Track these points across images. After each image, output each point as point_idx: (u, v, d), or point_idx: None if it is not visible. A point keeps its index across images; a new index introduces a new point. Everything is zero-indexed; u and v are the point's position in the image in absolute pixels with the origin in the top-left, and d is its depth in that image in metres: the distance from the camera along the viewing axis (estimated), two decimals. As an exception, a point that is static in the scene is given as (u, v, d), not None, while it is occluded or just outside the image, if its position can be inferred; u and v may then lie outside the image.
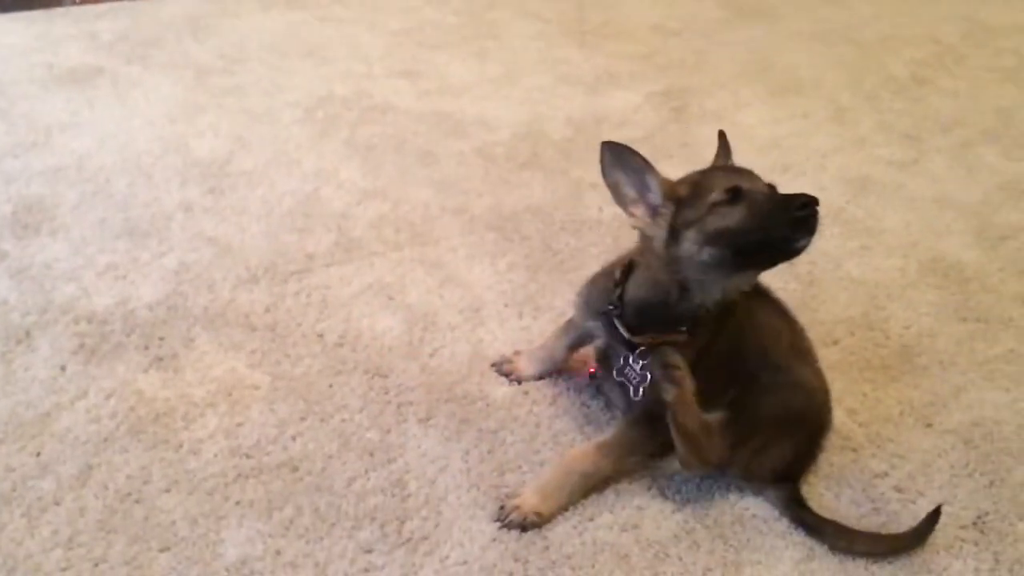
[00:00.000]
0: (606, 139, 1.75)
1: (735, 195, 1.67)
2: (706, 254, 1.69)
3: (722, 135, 1.97)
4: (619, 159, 1.75)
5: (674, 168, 3.03)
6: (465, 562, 1.76)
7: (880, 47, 4.11)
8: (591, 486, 1.88)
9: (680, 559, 1.79)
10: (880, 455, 2.03)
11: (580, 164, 3.08)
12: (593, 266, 2.55)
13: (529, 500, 1.83)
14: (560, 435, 2.05)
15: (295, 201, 2.79)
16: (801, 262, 2.60)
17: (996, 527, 1.88)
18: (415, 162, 3.05)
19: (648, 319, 1.83)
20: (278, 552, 1.75)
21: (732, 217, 1.66)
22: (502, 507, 1.84)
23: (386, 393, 2.13)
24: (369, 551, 1.77)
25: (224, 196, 2.80)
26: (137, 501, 1.84)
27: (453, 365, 2.23)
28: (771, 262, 1.75)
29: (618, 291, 1.86)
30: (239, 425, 2.01)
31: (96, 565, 1.71)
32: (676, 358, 1.78)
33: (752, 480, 1.91)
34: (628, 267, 1.87)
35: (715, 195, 1.68)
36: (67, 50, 3.69)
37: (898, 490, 1.95)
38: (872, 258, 2.67)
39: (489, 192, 2.91)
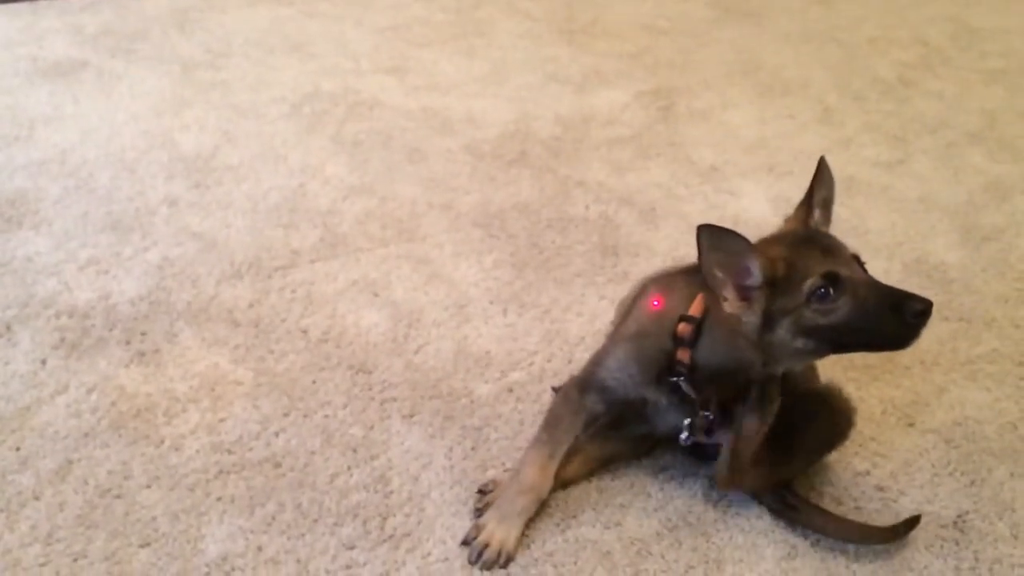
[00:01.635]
0: (703, 223, 1.58)
1: (834, 283, 1.56)
2: (800, 343, 1.62)
3: (823, 164, 1.76)
4: (718, 242, 1.59)
5: (660, 167, 3.07)
6: (447, 559, 1.75)
7: (867, 48, 4.13)
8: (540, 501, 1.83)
9: (662, 556, 1.79)
10: (862, 454, 2.03)
11: (568, 162, 3.08)
12: (579, 264, 2.58)
13: (496, 535, 1.76)
14: (544, 432, 2.04)
15: (281, 196, 2.78)
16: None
17: (976, 526, 1.89)
18: (402, 159, 3.04)
19: (718, 380, 1.75)
20: (260, 548, 1.74)
21: (834, 315, 1.57)
22: (467, 541, 1.77)
23: (370, 389, 2.12)
24: (351, 547, 1.76)
25: (209, 191, 2.79)
26: (118, 496, 1.82)
27: (438, 362, 2.22)
28: (866, 351, 1.72)
29: (686, 356, 1.73)
30: (221, 421, 2.00)
31: (75, 560, 1.70)
32: (775, 391, 1.77)
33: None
34: (698, 328, 1.72)
35: (812, 281, 1.57)
36: (51, 43, 3.66)
37: (879, 489, 1.96)
38: (857, 258, 2.68)
39: (476, 189, 2.91)
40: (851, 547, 1.82)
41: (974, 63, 4.01)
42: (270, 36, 3.87)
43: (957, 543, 1.86)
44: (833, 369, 2.23)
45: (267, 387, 2.10)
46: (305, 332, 2.27)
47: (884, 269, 2.62)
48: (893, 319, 1.56)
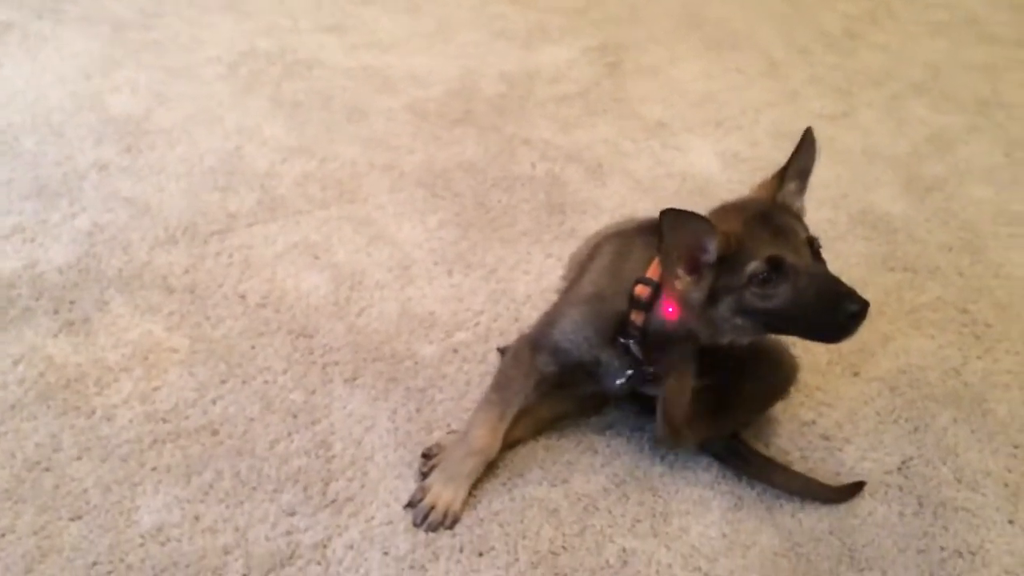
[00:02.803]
0: (666, 206, 1.54)
1: (777, 269, 1.55)
2: (740, 321, 1.62)
3: (808, 135, 1.73)
4: (681, 225, 1.56)
5: (607, 124, 3.03)
6: (391, 522, 1.72)
7: (813, 2, 4.11)
8: (488, 462, 1.81)
9: (609, 511, 1.78)
10: (808, 404, 2.04)
11: (513, 120, 3.03)
12: (526, 222, 2.54)
13: (442, 496, 1.73)
14: (490, 392, 2.01)
15: (216, 159, 2.69)
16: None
17: (920, 471, 1.91)
18: (343, 119, 2.96)
19: (667, 345, 1.73)
20: (196, 518, 1.69)
21: (771, 301, 1.57)
22: (412, 504, 1.74)
23: (311, 353, 2.07)
24: (292, 514, 1.72)
25: (141, 154, 2.68)
26: (47, 469, 1.76)
27: (381, 324, 2.17)
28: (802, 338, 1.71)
29: (640, 318, 1.71)
30: (156, 389, 1.94)
31: (3, 536, 1.64)
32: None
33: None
34: (655, 291, 1.70)
35: (755, 265, 1.56)
36: (-28, 4, 3.49)
37: (825, 438, 1.97)
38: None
39: (420, 149, 2.84)
40: (795, 499, 1.83)
41: (918, 15, 4.01)
42: (204, -6, 3.73)
43: (901, 489, 1.87)
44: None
45: (203, 354, 2.03)
46: (243, 297, 2.20)
47: (829, 220, 2.62)
48: (828, 315, 1.54)
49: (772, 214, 1.64)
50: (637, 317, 1.71)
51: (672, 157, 2.90)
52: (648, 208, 2.62)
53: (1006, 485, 1.89)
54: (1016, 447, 1.97)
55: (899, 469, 1.91)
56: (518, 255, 2.42)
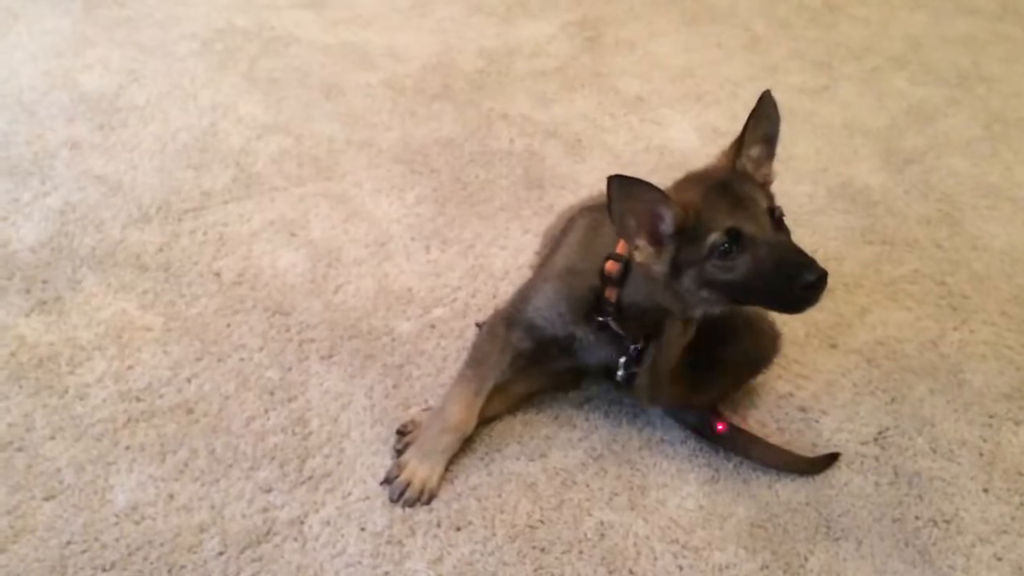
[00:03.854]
0: (612, 173, 1.53)
1: (736, 240, 1.54)
2: (705, 294, 1.61)
3: (765, 98, 1.67)
4: (628, 192, 1.54)
5: (586, 99, 3.01)
6: (367, 497, 1.72)
7: (795, -24, 4.08)
8: (464, 439, 1.80)
9: (587, 485, 1.78)
10: (785, 376, 2.04)
11: (491, 96, 3.00)
12: (504, 198, 2.52)
13: (419, 472, 1.72)
14: (468, 368, 2.00)
15: (190, 137, 2.66)
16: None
17: (896, 442, 1.92)
18: (320, 95, 2.93)
19: (642, 319, 1.73)
20: (171, 496, 1.69)
21: (732, 272, 1.55)
22: (388, 480, 1.73)
23: (287, 331, 2.06)
24: (268, 491, 1.71)
25: (114, 132, 2.65)
26: (19, 449, 1.74)
27: (358, 301, 2.16)
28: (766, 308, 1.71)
29: (613, 294, 1.71)
30: (129, 368, 1.92)
31: (-26, 517, 1.62)
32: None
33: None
34: (625, 267, 1.68)
35: (715, 237, 1.54)
36: (-60, -20, 3.42)
37: (802, 410, 1.97)
38: (782, 184, 2.60)
39: (397, 125, 2.82)
40: (772, 470, 1.83)
41: (899, -11, 3.99)
42: (178, -30, 3.67)
43: (877, 459, 1.88)
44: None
45: (178, 332, 2.01)
46: (218, 275, 2.18)
47: (808, 194, 2.62)
48: (787, 285, 1.53)
49: (731, 183, 1.62)
50: (611, 293, 1.71)
51: (651, 132, 2.88)
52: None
53: (981, 454, 1.90)
54: (991, 417, 1.98)
55: (875, 440, 1.92)
56: (496, 230, 2.41)
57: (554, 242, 1.94)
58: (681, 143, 2.83)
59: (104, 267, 2.16)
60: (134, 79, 2.91)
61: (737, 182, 1.63)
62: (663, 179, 2.60)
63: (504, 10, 3.56)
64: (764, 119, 1.68)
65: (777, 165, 2.73)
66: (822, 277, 1.51)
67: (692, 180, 1.66)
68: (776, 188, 2.61)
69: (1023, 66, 3.38)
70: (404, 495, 1.71)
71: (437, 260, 2.30)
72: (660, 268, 1.60)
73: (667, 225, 1.58)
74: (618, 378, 1.81)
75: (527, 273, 2.25)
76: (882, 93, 3.16)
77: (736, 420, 1.91)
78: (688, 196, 1.59)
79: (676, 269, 1.59)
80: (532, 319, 1.80)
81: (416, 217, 2.43)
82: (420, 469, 1.73)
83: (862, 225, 2.52)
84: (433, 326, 2.11)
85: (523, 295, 1.86)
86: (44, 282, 2.10)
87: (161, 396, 1.87)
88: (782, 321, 2.07)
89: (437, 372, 1.99)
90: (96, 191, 2.40)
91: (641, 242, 1.60)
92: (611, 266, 1.69)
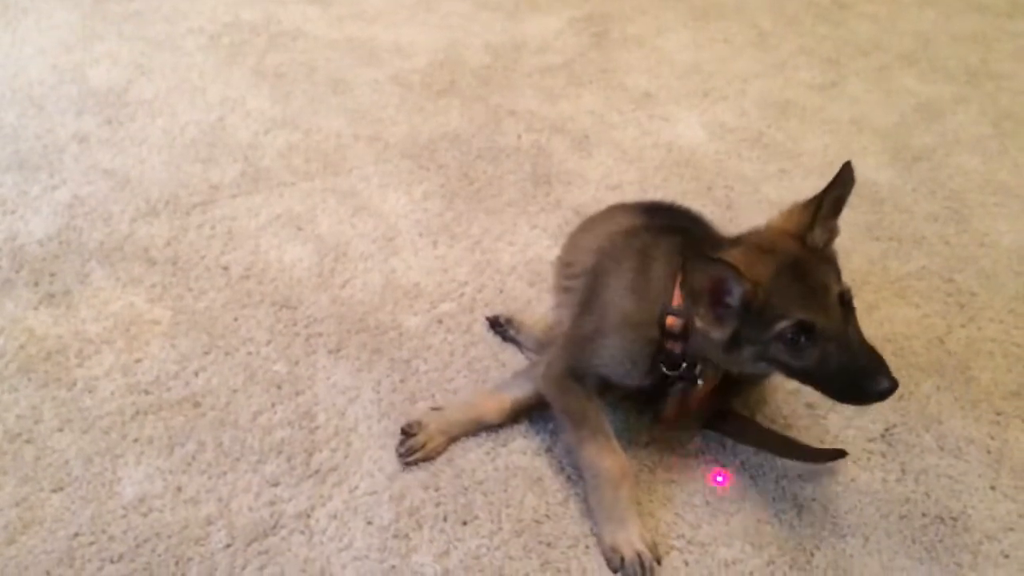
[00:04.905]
0: (690, 257, 1.53)
1: (807, 334, 1.51)
2: (762, 367, 1.61)
3: (846, 170, 1.63)
4: (704, 270, 1.53)
5: (593, 94, 3.01)
6: (375, 492, 1.72)
7: (803, -28, 4.07)
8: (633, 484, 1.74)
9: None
10: (793, 373, 2.03)
11: (498, 91, 3.00)
12: (511, 193, 2.52)
13: (633, 543, 1.64)
14: (475, 362, 2.01)
15: (198, 131, 2.66)
16: (718, 186, 2.61)
17: (903, 439, 1.91)
18: (327, 90, 2.93)
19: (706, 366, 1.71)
20: (179, 488, 1.69)
21: (798, 360, 1.54)
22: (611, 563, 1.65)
23: (294, 325, 2.06)
24: (275, 484, 1.72)
25: (123, 127, 2.66)
26: (28, 441, 1.75)
27: (365, 295, 2.16)
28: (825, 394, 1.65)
29: (679, 347, 1.68)
30: (138, 361, 1.93)
31: (-17, 509, 1.63)
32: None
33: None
34: (685, 328, 1.65)
35: (784, 325, 1.51)
36: (-51, -26, 3.43)
37: (809, 406, 1.97)
38: (790, 181, 2.67)
39: (404, 120, 2.82)
40: (779, 466, 1.83)
41: (909, -15, 3.98)
42: (186, -35, 3.67)
43: (884, 455, 1.88)
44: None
45: (186, 326, 2.02)
46: (226, 269, 2.18)
47: (816, 190, 2.59)
48: (855, 386, 1.52)
49: (804, 265, 1.57)
50: (674, 347, 1.68)
51: (658, 128, 2.88)
52: (633, 179, 2.62)
53: (989, 452, 1.89)
54: (999, 414, 1.97)
55: (882, 436, 1.91)
56: (503, 226, 2.41)
57: (591, 278, 1.84)
58: (688, 139, 2.83)
59: (112, 261, 2.17)
60: (142, 73, 2.92)
61: (811, 263, 1.58)
62: (670, 175, 2.63)
63: (511, 5, 3.55)
64: (840, 188, 1.64)
65: (787, 161, 2.75)
66: (893, 387, 1.49)
67: (761, 250, 1.60)
68: (785, 184, 2.63)
69: (1032, 63, 3.38)
70: (645, 567, 1.62)
71: (444, 255, 2.30)
72: (719, 337, 1.58)
73: (733, 298, 1.55)
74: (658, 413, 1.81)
75: (535, 268, 2.25)
76: (891, 90, 3.15)
77: (745, 415, 1.92)
78: (758, 271, 1.54)
79: (735, 339, 1.57)
80: (601, 371, 1.76)
81: (423, 212, 2.43)
82: (631, 536, 1.64)
83: (870, 221, 2.51)
84: (440, 321, 2.11)
85: (580, 346, 1.78)
86: (52, 275, 2.11)
87: (169, 389, 1.87)
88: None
89: (444, 367, 1.99)
90: (104, 185, 2.41)
91: (704, 309, 1.57)
92: (672, 321, 1.65)
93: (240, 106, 2.79)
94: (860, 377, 1.51)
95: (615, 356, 1.73)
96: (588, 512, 1.71)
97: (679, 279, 1.59)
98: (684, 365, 1.69)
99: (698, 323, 1.59)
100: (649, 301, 1.69)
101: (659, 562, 1.64)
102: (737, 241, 1.67)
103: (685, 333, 1.65)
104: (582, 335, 1.78)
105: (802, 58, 3.33)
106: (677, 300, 1.64)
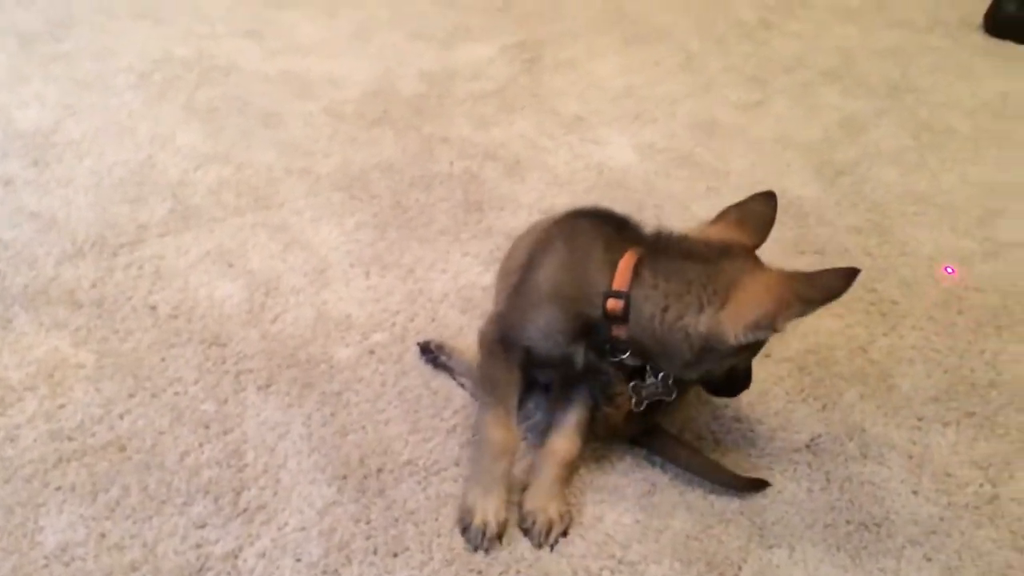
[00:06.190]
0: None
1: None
2: (693, 373, 1.76)
3: (769, 198, 1.93)
4: (847, 275, 1.64)
5: (525, 120, 3.04)
6: (304, 528, 1.71)
7: (731, -7, 4.17)
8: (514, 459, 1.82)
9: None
10: (720, 388, 2.07)
11: (431, 120, 3.02)
12: (444, 221, 2.54)
13: (488, 509, 1.71)
14: (406, 391, 2.01)
15: (127, 170, 2.65)
16: (648, 205, 2.65)
17: (828, 448, 1.95)
18: (259, 124, 2.93)
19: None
20: (102, 535, 1.67)
21: (719, 367, 1.74)
22: (464, 528, 1.72)
23: (223, 363, 2.05)
24: (202, 526, 1.70)
25: (49, 168, 2.63)
26: (-54, 494, 1.72)
27: (296, 329, 2.16)
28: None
29: (623, 331, 1.69)
30: (61, 407, 1.90)
31: (-101, 566, 1.59)
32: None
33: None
34: (627, 302, 1.66)
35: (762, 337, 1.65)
36: None
37: (737, 420, 2.00)
38: (719, 199, 2.70)
39: (337, 152, 2.83)
40: (707, 481, 1.86)
41: (832, 2, 4.09)
42: (115, 2, 3.66)
43: (810, 465, 1.91)
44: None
45: (111, 368, 2.00)
46: (154, 308, 2.17)
47: (742, 207, 2.66)
48: (731, 387, 1.85)
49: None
50: (620, 331, 1.68)
51: (590, 151, 2.92)
52: (565, 202, 2.65)
53: (910, 457, 1.94)
54: (920, 419, 2.02)
55: (808, 447, 1.95)
56: (436, 254, 2.43)
57: (527, 260, 1.86)
58: (619, 161, 2.88)
59: (36, 305, 2.14)
60: (71, 114, 2.90)
61: None
62: (602, 196, 2.67)
63: (445, 34, 3.59)
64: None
65: (715, 180, 2.81)
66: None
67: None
68: (713, 203, 2.67)
69: (950, 76, 3.48)
70: (485, 536, 1.69)
71: (376, 285, 2.30)
72: (742, 341, 1.64)
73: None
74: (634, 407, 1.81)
75: (468, 295, 2.27)
76: (814, 106, 3.24)
77: (675, 431, 1.94)
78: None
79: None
80: (529, 342, 1.78)
81: (356, 243, 2.44)
82: (487, 505, 1.71)
83: (794, 236, 2.57)
84: (372, 351, 2.11)
85: (512, 315, 1.82)
86: (-26, 323, 2.08)
87: (93, 434, 1.85)
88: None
89: (375, 398, 2.00)
90: (30, 228, 2.38)
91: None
92: (613, 305, 1.66)
93: (170, 143, 2.78)
94: (745, 379, 1.82)
95: (544, 327, 1.75)
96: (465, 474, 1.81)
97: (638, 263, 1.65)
98: (629, 348, 1.70)
99: (779, 325, 1.60)
100: (583, 280, 1.71)
101: (500, 540, 1.72)
102: (725, 247, 1.78)
103: (627, 312, 1.65)
104: (515, 306, 1.83)
105: (728, 77, 3.40)
106: (619, 283, 1.66)
